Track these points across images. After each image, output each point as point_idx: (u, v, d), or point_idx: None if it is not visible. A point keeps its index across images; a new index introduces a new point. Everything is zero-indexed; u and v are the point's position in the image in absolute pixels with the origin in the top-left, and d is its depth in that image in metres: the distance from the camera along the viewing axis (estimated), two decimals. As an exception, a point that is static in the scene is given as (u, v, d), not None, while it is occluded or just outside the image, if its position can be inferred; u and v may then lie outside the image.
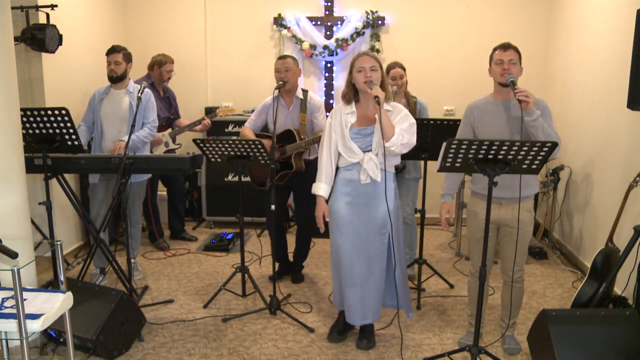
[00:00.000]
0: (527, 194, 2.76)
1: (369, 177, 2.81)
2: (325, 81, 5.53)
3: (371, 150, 2.82)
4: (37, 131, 3.19)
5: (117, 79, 3.78)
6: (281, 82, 3.58)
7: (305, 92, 3.75)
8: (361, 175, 2.83)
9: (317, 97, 3.81)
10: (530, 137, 2.62)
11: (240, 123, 5.18)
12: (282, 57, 3.68)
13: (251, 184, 3.91)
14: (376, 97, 2.67)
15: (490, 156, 2.37)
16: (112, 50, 3.78)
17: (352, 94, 2.88)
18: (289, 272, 4.07)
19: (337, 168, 2.96)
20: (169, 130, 4.65)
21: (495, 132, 2.75)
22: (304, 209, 3.88)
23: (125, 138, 3.59)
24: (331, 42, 5.35)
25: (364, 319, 2.97)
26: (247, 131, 3.80)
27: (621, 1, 3.72)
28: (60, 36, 3.99)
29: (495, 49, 2.77)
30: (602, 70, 3.99)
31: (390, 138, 2.71)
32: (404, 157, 3.80)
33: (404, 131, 2.76)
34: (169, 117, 4.67)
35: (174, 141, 4.66)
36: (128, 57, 3.82)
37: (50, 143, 3.21)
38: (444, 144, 2.35)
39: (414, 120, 2.85)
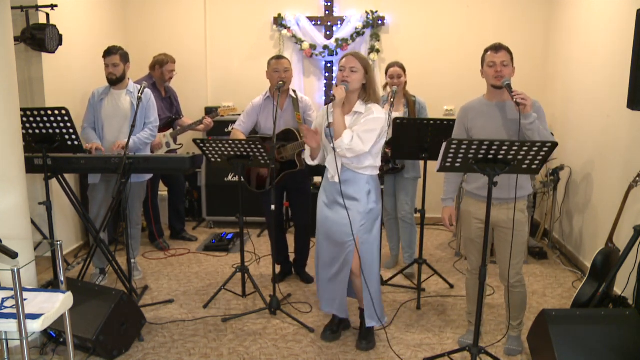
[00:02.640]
0: (520, 195, 2.76)
1: (334, 176, 2.85)
2: (325, 81, 5.53)
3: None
4: (37, 131, 3.19)
5: (116, 81, 3.77)
6: (281, 82, 3.57)
7: (294, 91, 3.76)
8: (327, 174, 2.91)
9: (305, 96, 3.86)
10: (526, 139, 2.60)
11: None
12: (279, 57, 3.67)
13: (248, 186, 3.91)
14: (332, 94, 2.71)
15: (490, 156, 2.37)
16: (109, 53, 3.73)
17: None
18: (290, 273, 4.07)
19: None
20: (170, 130, 4.65)
21: (490, 133, 2.74)
22: (301, 209, 3.89)
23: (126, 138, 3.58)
24: (331, 42, 5.35)
25: (330, 309, 3.06)
26: (238, 133, 3.77)
27: (621, 1, 3.72)
28: (60, 36, 3.98)
29: (486, 50, 2.73)
30: (602, 70, 3.99)
31: (336, 139, 2.72)
32: (404, 157, 3.83)
33: (357, 135, 2.70)
34: (170, 118, 4.67)
35: (175, 141, 4.65)
36: (125, 58, 3.79)
37: (50, 143, 3.21)
38: (444, 144, 2.34)
39: (375, 127, 2.72)
